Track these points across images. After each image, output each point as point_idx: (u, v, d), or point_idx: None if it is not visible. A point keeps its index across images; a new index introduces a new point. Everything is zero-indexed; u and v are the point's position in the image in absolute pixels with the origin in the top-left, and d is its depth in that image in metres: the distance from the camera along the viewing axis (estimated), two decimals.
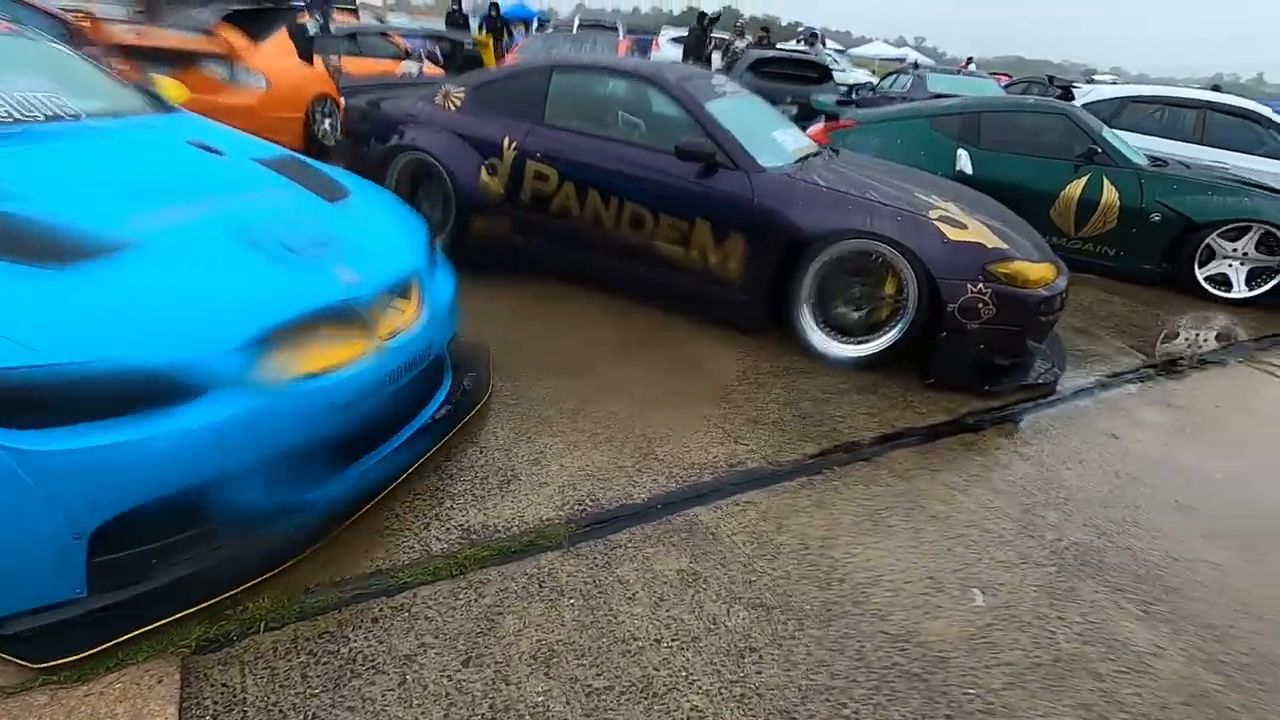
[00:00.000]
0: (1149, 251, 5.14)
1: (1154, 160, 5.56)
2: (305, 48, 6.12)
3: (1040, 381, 3.36)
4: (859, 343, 3.38)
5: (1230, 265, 5.04)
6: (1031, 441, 2.90)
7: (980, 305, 3.09)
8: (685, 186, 3.49)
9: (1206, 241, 5.00)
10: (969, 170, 5.46)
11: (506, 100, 3.97)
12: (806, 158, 3.77)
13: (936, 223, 3.18)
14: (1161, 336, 4.26)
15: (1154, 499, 2.57)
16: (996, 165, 5.43)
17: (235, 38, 5.68)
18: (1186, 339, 4.30)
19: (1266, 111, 6.80)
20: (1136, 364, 3.80)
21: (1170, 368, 3.81)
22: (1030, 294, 3.11)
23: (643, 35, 20.49)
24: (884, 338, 3.32)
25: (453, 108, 4.07)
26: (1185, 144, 6.84)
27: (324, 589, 1.81)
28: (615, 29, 20.56)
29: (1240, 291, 5.02)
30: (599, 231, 3.71)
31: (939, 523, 2.32)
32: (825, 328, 3.44)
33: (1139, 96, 7.23)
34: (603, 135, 3.74)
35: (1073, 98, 7.54)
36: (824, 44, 26.38)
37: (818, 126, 6.33)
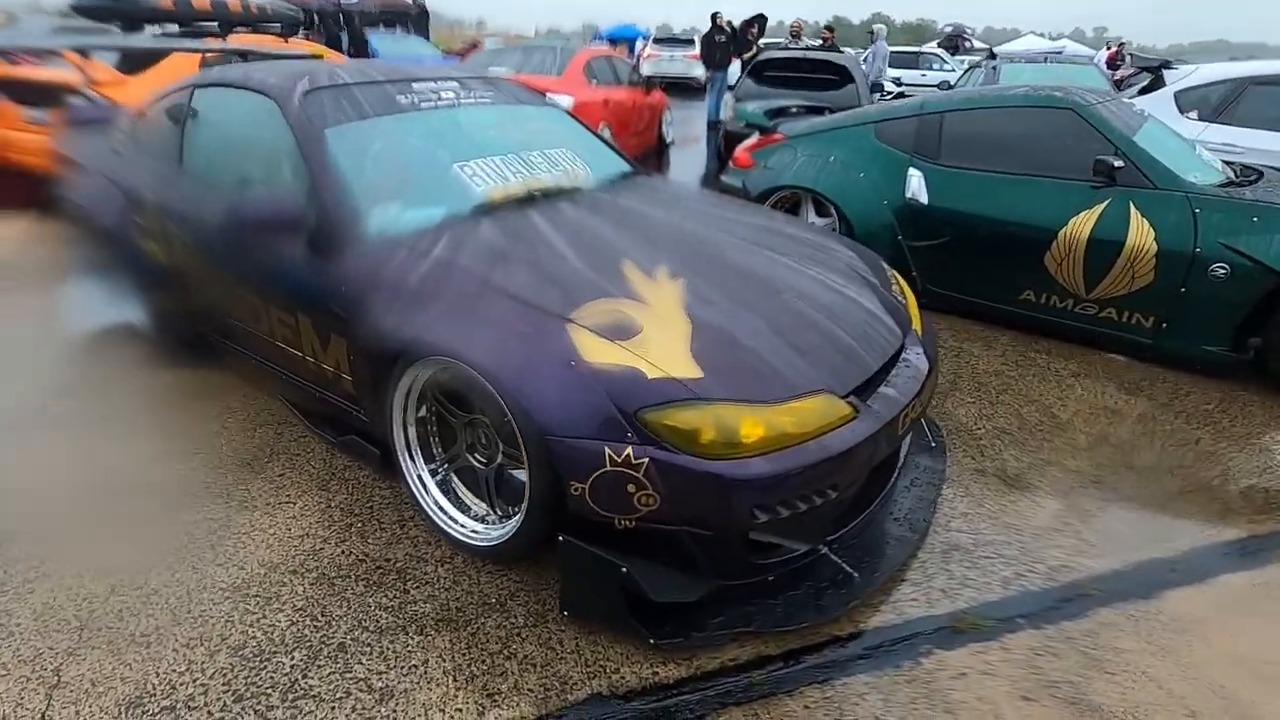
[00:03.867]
0: (1212, 323, 3.13)
1: (1242, 173, 3.50)
2: None
3: (791, 626, 1.76)
4: (495, 520, 1.99)
5: None
6: None
7: (630, 487, 1.61)
8: (280, 263, 2.28)
9: None
10: (923, 198, 3.74)
11: (156, 133, 2.97)
12: (518, 200, 2.40)
13: (574, 328, 1.73)
14: (1164, 501, 2.38)
15: None
16: (963, 190, 3.66)
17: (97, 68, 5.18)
18: (1219, 507, 2.38)
19: None
20: (1080, 571, 2.04)
21: (1151, 584, 2.00)
22: (730, 470, 1.57)
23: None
24: (511, 521, 1.91)
25: (118, 146, 3.15)
26: None
27: None
28: (690, 42, 19.33)
29: None
30: (240, 323, 2.59)
31: None
32: (456, 489, 2.08)
33: (1265, 76, 4.91)
34: (224, 186, 2.60)
35: (1163, 82, 5.34)
36: (967, 43, 23.55)
37: (749, 142, 4.81)
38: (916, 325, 2.31)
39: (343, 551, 2.01)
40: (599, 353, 1.68)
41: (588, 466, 1.63)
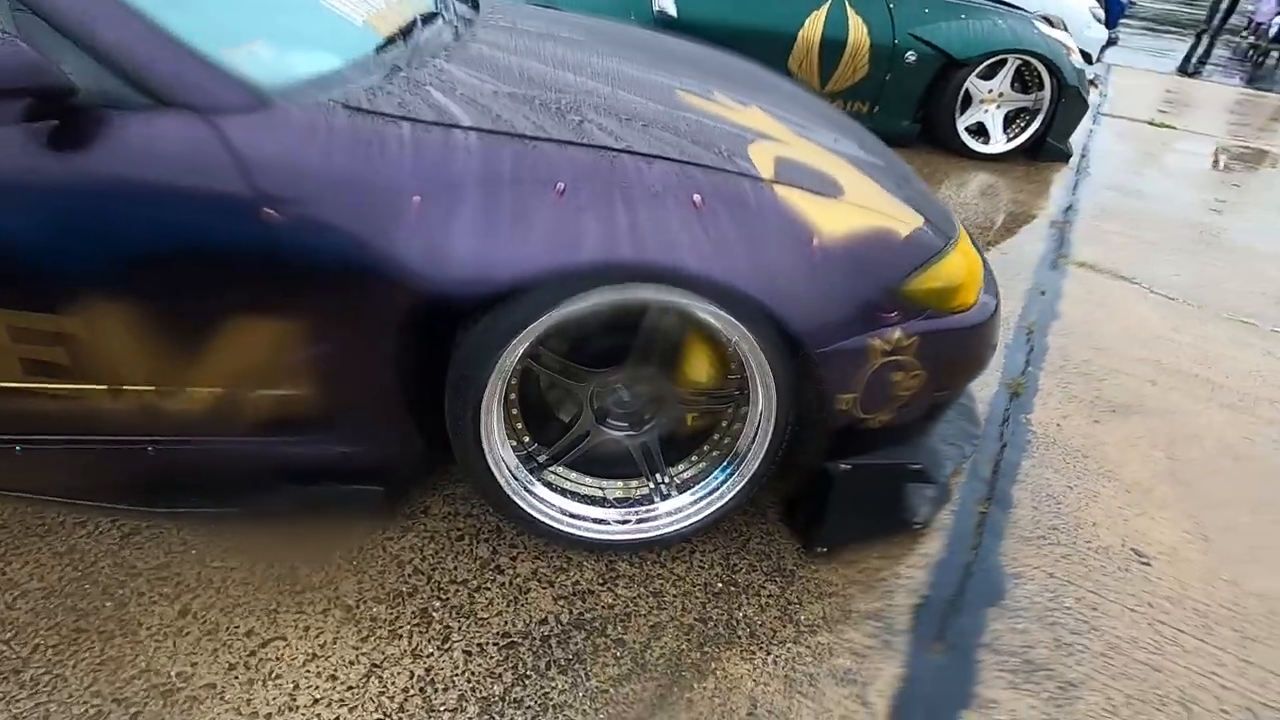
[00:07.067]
0: (905, 103, 3.88)
1: None
2: None
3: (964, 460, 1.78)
4: (656, 493, 1.43)
5: (986, 110, 4.04)
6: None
7: (895, 376, 1.31)
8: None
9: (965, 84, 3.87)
10: (671, 10, 3.53)
11: None
12: (423, 38, 1.44)
13: (785, 190, 1.22)
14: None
15: None
16: None
17: None
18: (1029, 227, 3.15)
19: None
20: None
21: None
22: (981, 316, 1.40)
23: None
24: (717, 486, 1.40)
25: None
26: None
27: None
28: None
29: (998, 143, 4.08)
30: None
31: None
32: (563, 473, 1.41)
33: None
34: None
35: None
36: None
37: None
38: None
39: (470, 645, 1.21)
40: (835, 218, 1.24)
41: (858, 369, 1.27)
